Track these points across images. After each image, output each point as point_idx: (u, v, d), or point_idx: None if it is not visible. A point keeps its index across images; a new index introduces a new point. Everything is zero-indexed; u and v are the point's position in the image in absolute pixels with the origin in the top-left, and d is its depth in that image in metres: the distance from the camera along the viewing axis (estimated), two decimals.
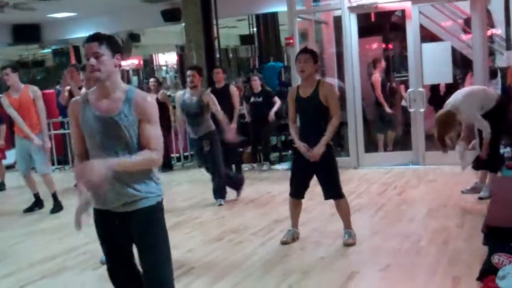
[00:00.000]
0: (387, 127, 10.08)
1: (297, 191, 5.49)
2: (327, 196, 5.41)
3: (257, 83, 9.99)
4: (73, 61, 18.46)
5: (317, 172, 5.34)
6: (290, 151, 10.05)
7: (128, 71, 21.97)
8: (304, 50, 5.41)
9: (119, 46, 3.04)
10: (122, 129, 2.96)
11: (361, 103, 9.47)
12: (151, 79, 10.78)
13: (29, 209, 7.77)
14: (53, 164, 10.93)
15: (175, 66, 21.49)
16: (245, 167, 10.21)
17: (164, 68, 22.31)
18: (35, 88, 7.69)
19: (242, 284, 4.51)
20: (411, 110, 9.13)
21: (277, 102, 9.94)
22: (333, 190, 5.36)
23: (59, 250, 5.44)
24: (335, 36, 10.38)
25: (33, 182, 7.79)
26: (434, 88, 9.97)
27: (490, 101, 6.46)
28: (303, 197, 5.55)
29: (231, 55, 22.23)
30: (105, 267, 5.11)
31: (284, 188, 8.16)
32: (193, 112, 7.24)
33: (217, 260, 5.18)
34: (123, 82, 3.07)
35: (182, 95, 7.42)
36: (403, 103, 9.64)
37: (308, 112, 5.27)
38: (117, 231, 3.16)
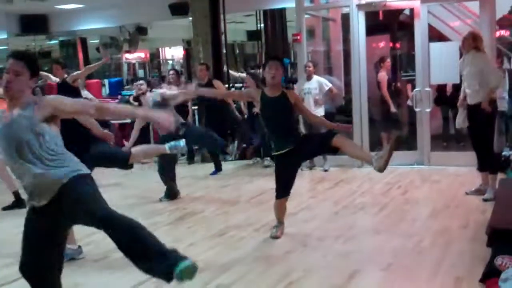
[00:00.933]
0: (392, 126, 10.04)
1: (285, 191, 5.52)
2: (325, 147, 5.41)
3: (251, 81, 10.05)
4: (80, 53, 18.49)
5: (305, 152, 5.49)
6: None
7: (134, 64, 21.97)
8: (276, 58, 5.60)
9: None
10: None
11: (367, 102, 9.45)
12: (171, 71, 10.76)
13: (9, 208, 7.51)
14: None
15: (181, 61, 21.47)
16: (249, 161, 10.24)
17: (170, 62, 22.28)
18: None
19: (243, 280, 4.51)
20: (417, 109, 9.09)
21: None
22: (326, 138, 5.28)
23: None
24: (343, 33, 10.36)
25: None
26: (441, 88, 9.93)
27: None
28: (288, 195, 5.58)
29: (237, 51, 22.19)
30: (109, 258, 5.15)
31: None
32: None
33: (219, 255, 5.18)
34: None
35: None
36: (409, 102, 9.60)
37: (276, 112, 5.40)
38: None
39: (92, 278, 4.76)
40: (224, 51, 11.80)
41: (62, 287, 4.27)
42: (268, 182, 8.47)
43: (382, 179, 8.29)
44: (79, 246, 5.22)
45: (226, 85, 10.85)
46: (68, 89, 8.38)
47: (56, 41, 19.81)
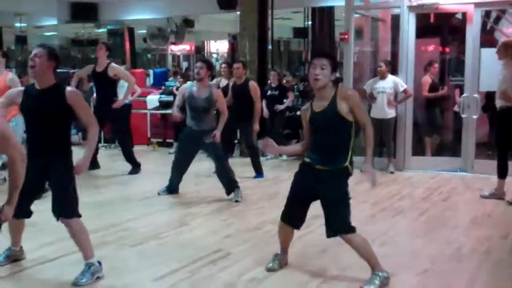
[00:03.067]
0: (434, 130, 9.91)
1: (291, 217, 4.53)
2: (330, 233, 4.31)
3: (275, 77, 10.53)
4: (127, 42, 18.74)
5: (322, 199, 4.32)
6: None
7: (179, 56, 22.14)
8: (322, 54, 4.35)
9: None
10: None
11: (412, 105, 9.31)
12: (223, 64, 10.85)
13: None
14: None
15: (225, 55, 21.55)
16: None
17: (215, 55, 22.39)
18: (14, 77, 7.32)
19: (276, 275, 4.50)
20: (463, 115, 8.92)
21: (290, 96, 10.70)
22: (339, 224, 4.25)
23: (99, 225, 5.48)
24: (392, 35, 10.22)
25: None
26: (489, 96, 9.69)
27: None
28: (297, 227, 4.57)
29: (282, 48, 22.16)
30: (144, 244, 5.20)
31: None
32: (201, 106, 7.02)
33: (254, 249, 5.17)
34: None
35: (189, 88, 7.18)
36: (456, 108, 9.42)
37: (322, 130, 4.28)
38: None
39: (127, 263, 4.81)
40: (270, 47, 11.77)
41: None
42: None
43: (424, 184, 8.18)
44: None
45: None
46: (106, 80, 8.56)
47: (104, 30, 20.11)
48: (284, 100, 10.42)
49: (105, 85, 8.62)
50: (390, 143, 9.14)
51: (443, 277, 4.50)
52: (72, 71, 13.01)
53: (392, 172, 8.92)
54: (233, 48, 18.90)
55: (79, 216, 4.37)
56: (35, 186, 4.26)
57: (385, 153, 9.23)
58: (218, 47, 22.49)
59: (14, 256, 4.64)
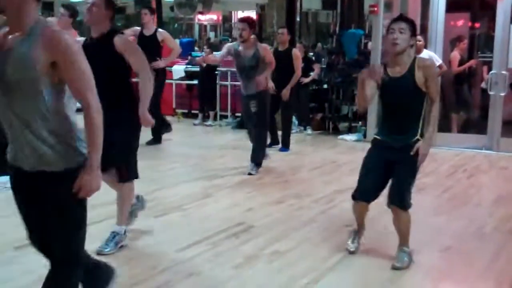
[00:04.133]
0: (461, 107, 9.79)
1: (366, 192, 4.31)
2: (390, 201, 4.21)
3: (301, 50, 10.21)
4: (154, 14, 18.74)
5: (395, 170, 4.16)
6: (360, 122, 9.97)
7: (206, 26, 22.11)
8: (400, 18, 4.14)
9: None
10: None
11: (440, 80, 9.20)
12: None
13: None
14: None
15: None
16: (313, 132, 10.23)
17: None
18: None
19: (298, 249, 4.54)
20: (491, 93, 8.79)
21: (316, 68, 10.47)
22: (400, 197, 4.18)
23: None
24: (422, 8, 10.05)
25: None
26: None
27: None
28: (369, 201, 4.37)
29: (310, 19, 21.96)
30: (168, 215, 5.28)
31: (350, 158, 8.13)
32: (248, 65, 6.88)
33: (276, 222, 5.21)
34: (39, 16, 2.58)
35: (234, 47, 7.02)
36: (483, 85, 9.28)
37: (397, 97, 4.08)
38: None
39: (151, 233, 4.88)
40: (298, 19, 11.67)
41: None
42: (331, 155, 8.47)
43: (448, 161, 8.12)
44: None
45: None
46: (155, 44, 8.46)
47: None
48: (310, 73, 10.36)
49: (153, 49, 8.38)
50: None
51: (466, 255, 4.50)
52: None
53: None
54: (260, 19, 18.78)
55: (136, 177, 4.38)
56: None
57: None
58: None
59: None
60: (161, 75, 8.79)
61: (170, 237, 4.75)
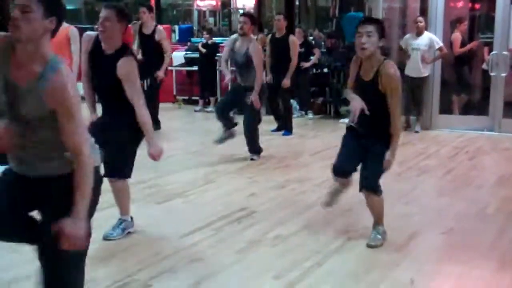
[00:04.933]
0: (462, 89, 9.76)
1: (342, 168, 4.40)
2: (361, 186, 4.27)
3: (300, 34, 10.23)
4: (152, 0, 18.63)
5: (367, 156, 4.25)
6: None
7: (205, 11, 22.01)
8: (367, 21, 4.19)
9: (56, 8, 2.52)
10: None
11: (440, 62, 9.17)
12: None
13: None
14: None
15: (252, 10, 21.36)
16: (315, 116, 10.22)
17: (241, 11, 22.20)
18: (74, 29, 7.23)
19: (301, 233, 4.54)
20: (492, 74, 8.76)
21: (316, 53, 10.40)
22: (369, 182, 4.24)
23: None
24: None
25: None
26: None
27: None
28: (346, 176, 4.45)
29: (309, 3, 21.85)
30: (170, 201, 5.28)
31: None
32: (240, 62, 6.86)
33: (279, 207, 5.22)
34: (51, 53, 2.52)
35: (233, 40, 7.00)
36: (484, 66, 9.25)
37: (366, 98, 4.10)
38: None
39: (154, 220, 4.88)
40: (297, 3, 11.59)
41: None
42: (332, 139, 8.42)
43: (450, 143, 8.12)
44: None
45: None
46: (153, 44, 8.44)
47: None
48: (310, 58, 10.32)
49: (152, 47, 8.44)
50: (421, 102, 9.03)
51: (468, 236, 4.50)
52: (96, 27, 13.00)
53: (417, 132, 8.85)
54: (259, 3, 18.68)
55: (128, 177, 4.38)
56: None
57: (412, 112, 9.11)
58: (245, 3, 22.29)
59: None
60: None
61: (172, 223, 4.75)
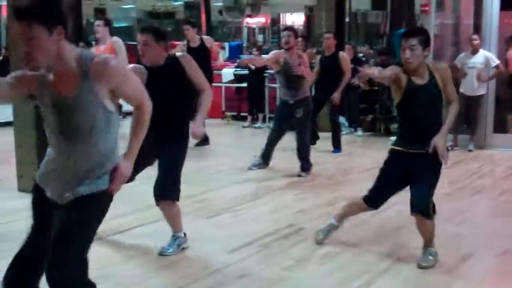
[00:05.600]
0: None
1: (377, 198, 4.38)
2: (413, 209, 4.13)
3: (350, 51, 10.18)
4: (203, 14, 18.90)
5: (416, 178, 4.13)
6: None
7: (254, 29, 22.18)
8: (409, 34, 4.03)
9: (57, 15, 2.53)
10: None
11: (495, 80, 8.96)
12: (299, 38, 10.77)
13: None
14: None
15: (301, 27, 21.41)
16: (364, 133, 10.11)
17: None
18: (117, 39, 7.69)
19: (350, 251, 4.48)
20: None
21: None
22: (421, 205, 4.10)
23: None
24: (474, 7, 9.82)
25: None
26: None
27: None
28: (377, 208, 4.49)
29: (359, 20, 21.77)
30: (219, 216, 5.29)
31: None
32: (294, 76, 6.87)
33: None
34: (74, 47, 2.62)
35: (283, 54, 6.96)
36: None
37: (425, 103, 4.05)
38: None
39: (202, 234, 4.90)
40: (347, 20, 11.56)
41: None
42: (382, 157, 8.30)
43: (505, 162, 7.91)
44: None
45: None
46: (205, 53, 8.60)
47: (181, 3, 20.36)
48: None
49: (202, 58, 8.51)
50: (476, 121, 8.83)
51: None
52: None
53: (470, 150, 8.64)
54: (309, 21, 18.72)
55: (177, 199, 4.38)
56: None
57: (461, 130, 8.91)
58: (294, 20, 22.35)
59: None
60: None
61: (221, 238, 4.75)
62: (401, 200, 5.56)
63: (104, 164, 2.66)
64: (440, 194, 6.09)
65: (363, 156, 8.50)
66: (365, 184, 6.56)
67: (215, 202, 5.79)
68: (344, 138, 9.27)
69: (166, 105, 3.99)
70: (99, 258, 4.21)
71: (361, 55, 12.34)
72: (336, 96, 8.36)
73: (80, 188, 2.63)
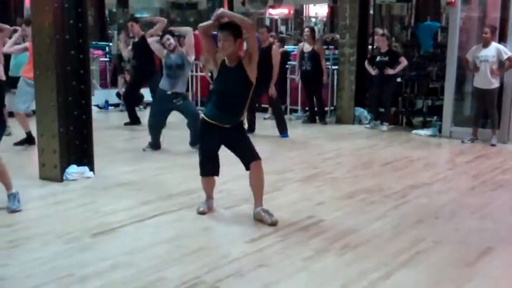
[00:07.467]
0: None
1: (213, 168, 5.14)
2: (247, 162, 4.99)
3: (384, 43, 10.02)
4: (226, 6, 18.85)
5: (230, 146, 5.09)
6: (435, 117, 9.70)
7: (276, 20, 22.08)
8: (222, 27, 4.72)
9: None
10: None
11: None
12: (306, 29, 10.94)
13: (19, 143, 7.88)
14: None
15: (324, 19, 21.27)
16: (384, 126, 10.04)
17: (313, 20, 22.12)
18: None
19: (369, 244, 4.46)
20: None
21: (403, 62, 9.90)
22: (251, 154, 5.01)
23: (196, 186, 5.58)
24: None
25: None
26: None
27: None
28: (217, 174, 5.20)
29: (384, 12, 21.54)
30: (238, 207, 5.31)
31: (423, 153, 7.95)
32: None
33: (347, 217, 5.14)
34: None
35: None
36: None
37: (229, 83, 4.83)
38: None
39: (221, 225, 4.93)
40: (372, 12, 11.46)
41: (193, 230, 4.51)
42: (404, 150, 8.30)
43: None
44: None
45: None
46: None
47: None
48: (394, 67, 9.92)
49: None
50: (495, 114, 8.71)
51: None
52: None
53: (493, 145, 8.54)
54: (332, 12, 18.60)
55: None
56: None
57: (489, 125, 8.82)
58: (317, 11, 22.20)
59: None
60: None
61: (240, 228, 4.77)
62: (421, 193, 5.56)
63: None
64: (463, 188, 6.08)
65: (385, 149, 8.46)
66: (386, 177, 6.60)
67: (234, 193, 5.79)
68: (366, 132, 9.23)
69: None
70: (119, 246, 4.28)
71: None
72: (271, 91, 9.27)
73: None
